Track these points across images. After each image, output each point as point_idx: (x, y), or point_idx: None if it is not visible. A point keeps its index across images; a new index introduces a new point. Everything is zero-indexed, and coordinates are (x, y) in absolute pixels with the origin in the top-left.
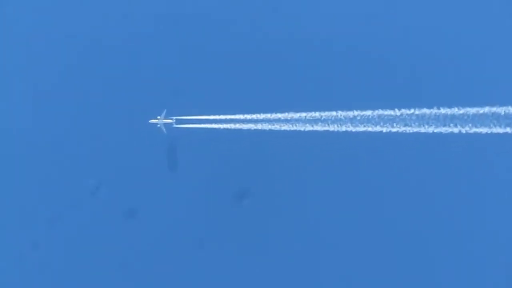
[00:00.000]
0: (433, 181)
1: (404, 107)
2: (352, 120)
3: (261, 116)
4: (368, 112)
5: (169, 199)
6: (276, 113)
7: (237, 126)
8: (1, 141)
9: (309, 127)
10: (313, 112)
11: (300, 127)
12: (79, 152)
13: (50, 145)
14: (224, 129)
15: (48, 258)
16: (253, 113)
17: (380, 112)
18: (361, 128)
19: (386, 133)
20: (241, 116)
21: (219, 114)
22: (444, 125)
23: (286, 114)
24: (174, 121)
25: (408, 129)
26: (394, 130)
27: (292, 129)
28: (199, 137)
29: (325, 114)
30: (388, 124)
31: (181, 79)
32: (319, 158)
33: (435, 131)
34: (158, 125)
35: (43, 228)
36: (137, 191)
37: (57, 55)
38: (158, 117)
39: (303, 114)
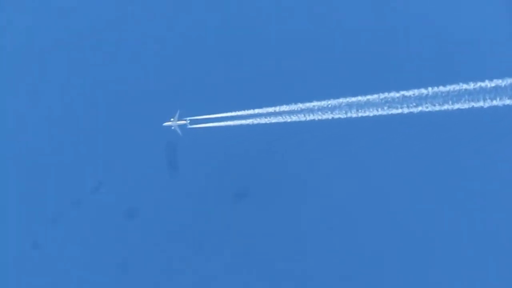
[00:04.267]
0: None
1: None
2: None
3: (272, 109)
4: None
5: (169, 199)
6: (289, 104)
7: (250, 121)
8: (1, 141)
9: (325, 116)
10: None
11: (315, 116)
12: (79, 152)
13: (50, 145)
14: (236, 125)
15: (48, 258)
16: (265, 106)
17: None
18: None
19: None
20: (252, 111)
21: (232, 111)
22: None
23: (296, 105)
24: (188, 121)
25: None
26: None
27: (303, 119)
28: (209, 137)
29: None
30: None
31: (188, 79)
32: (318, 158)
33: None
34: (173, 127)
35: (43, 228)
36: (137, 191)
37: (62, 54)
38: (172, 119)
39: (313, 104)
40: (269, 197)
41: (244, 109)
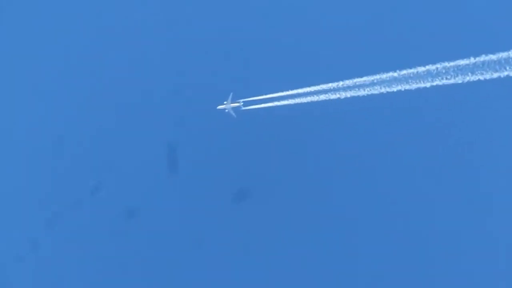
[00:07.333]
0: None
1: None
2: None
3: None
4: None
5: (169, 199)
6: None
7: (301, 100)
8: (1, 141)
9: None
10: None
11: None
12: (79, 152)
13: (50, 145)
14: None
15: (48, 258)
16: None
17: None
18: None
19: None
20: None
21: (284, 91)
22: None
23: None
24: (242, 103)
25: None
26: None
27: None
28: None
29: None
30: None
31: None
32: (317, 159)
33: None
34: (226, 110)
35: (43, 228)
36: (137, 191)
37: (63, 54)
38: (225, 102)
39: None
40: (268, 197)
41: (293, 89)
